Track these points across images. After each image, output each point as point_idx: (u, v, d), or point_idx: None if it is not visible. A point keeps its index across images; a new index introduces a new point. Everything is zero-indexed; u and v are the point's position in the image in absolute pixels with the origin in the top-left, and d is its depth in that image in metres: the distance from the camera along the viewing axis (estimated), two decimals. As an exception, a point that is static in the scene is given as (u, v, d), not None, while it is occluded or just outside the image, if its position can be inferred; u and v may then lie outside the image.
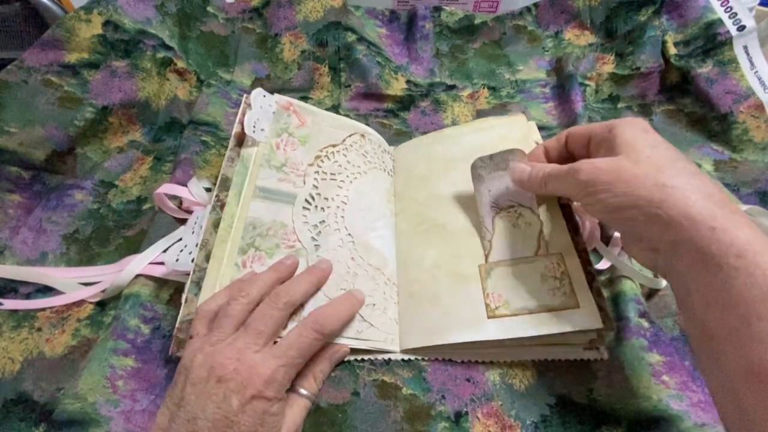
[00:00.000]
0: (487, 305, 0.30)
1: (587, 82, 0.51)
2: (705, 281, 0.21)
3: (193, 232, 0.34)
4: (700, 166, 0.43)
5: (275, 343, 0.27)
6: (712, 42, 0.47)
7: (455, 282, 0.32)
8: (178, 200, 0.38)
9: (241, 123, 0.35)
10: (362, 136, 0.41)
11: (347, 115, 0.48)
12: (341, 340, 0.30)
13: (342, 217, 0.35)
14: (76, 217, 0.39)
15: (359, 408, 0.29)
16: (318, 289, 0.31)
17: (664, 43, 0.49)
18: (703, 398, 0.27)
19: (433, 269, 0.33)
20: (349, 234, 0.34)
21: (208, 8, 0.53)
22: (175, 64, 0.47)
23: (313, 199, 0.35)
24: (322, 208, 0.35)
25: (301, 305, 0.29)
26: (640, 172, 0.23)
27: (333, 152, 0.38)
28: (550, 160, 0.30)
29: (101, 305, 0.34)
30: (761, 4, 0.50)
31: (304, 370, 0.28)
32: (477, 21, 0.54)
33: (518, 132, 0.38)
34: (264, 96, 0.37)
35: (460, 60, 0.54)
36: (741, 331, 0.19)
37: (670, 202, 0.21)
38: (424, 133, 0.45)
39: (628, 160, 0.23)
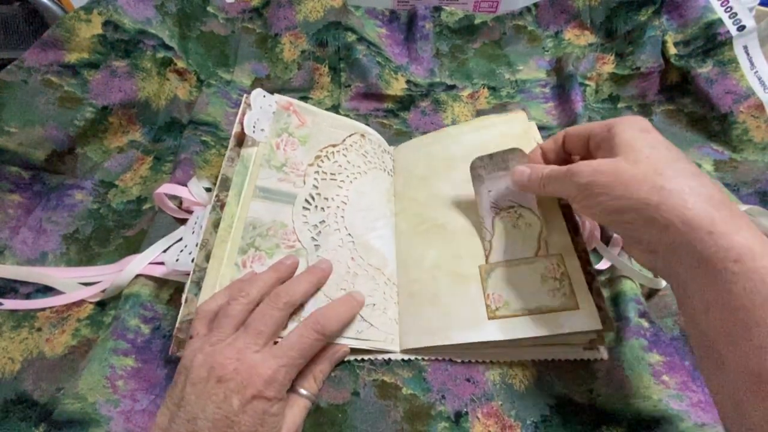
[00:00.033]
0: (487, 306, 0.30)
1: (587, 82, 0.51)
2: (704, 285, 0.20)
3: (193, 232, 0.34)
4: (700, 166, 0.43)
5: (275, 343, 0.27)
6: (712, 42, 0.47)
7: (455, 282, 0.32)
8: (178, 200, 0.38)
9: (241, 123, 0.35)
10: (362, 136, 0.41)
11: (347, 115, 0.48)
12: (341, 340, 0.30)
13: (342, 217, 0.35)
14: (76, 217, 0.39)
15: (359, 408, 0.29)
16: (318, 289, 0.31)
17: (664, 43, 0.49)
18: (703, 398, 0.27)
19: (433, 269, 0.33)
20: (349, 234, 0.34)
21: (208, 8, 0.53)
22: (175, 64, 0.47)
23: (313, 199, 0.35)
24: (322, 208, 0.35)
25: (302, 305, 0.29)
26: (638, 173, 0.22)
27: (333, 152, 0.38)
28: (547, 162, 0.30)
29: (101, 305, 0.34)
30: (761, 4, 0.50)
31: (304, 370, 0.28)
32: (477, 21, 0.54)
33: (519, 129, 0.38)
34: (264, 96, 0.37)
35: (460, 60, 0.54)
36: (741, 336, 0.19)
37: (668, 206, 0.21)
38: (424, 133, 0.45)
39: (626, 162, 0.23)
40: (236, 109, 0.46)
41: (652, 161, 0.23)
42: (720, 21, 0.47)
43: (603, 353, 0.30)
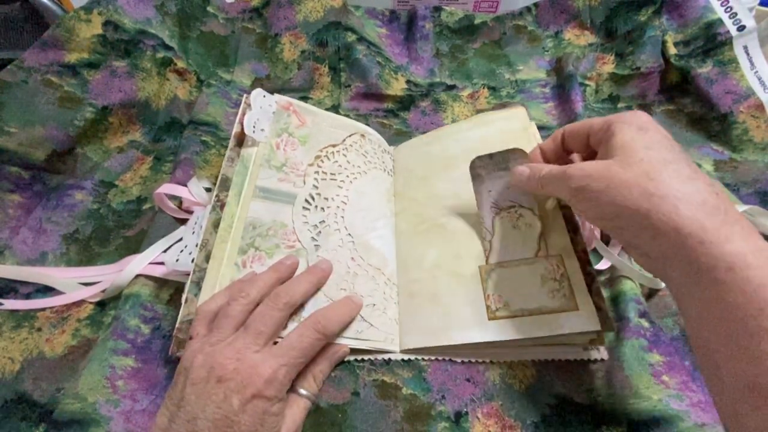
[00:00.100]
0: (487, 306, 0.30)
1: (587, 82, 0.51)
2: (697, 293, 0.20)
3: (193, 232, 0.34)
4: (700, 166, 0.43)
5: (275, 343, 0.27)
6: (712, 42, 0.47)
7: (455, 282, 0.32)
8: (178, 200, 0.38)
9: (241, 123, 0.35)
10: (362, 136, 0.41)
11: (347, 115, 0.48)
12: (341, 340, 0.30)
13: (342, 217, 0.35)
14: (76, 217, 0.39)
15: (359, 408, 0.29)
16: (318, 289, 0.31)
17: (664, 43, 0.49)
18: (703, 398, 0.27)
19: (434, 269, 0.33)
20: (349, 234, 0.34)
21: (208, 8, 0.53)
22: (175, 64, 0.47)
23: (313, 199, 0.35)
24: (322, 208, 0.35)
25: (302, 305, 0.30)
26: (629, 178, 0.22)
27: (333, 152, 0.38)
28: (547, 161, 0.30)
29: (101, 305, 0.34)
30: (761, 4, 0.50)
31: (304, 370, 0.28)
32: (477, 21, 0.54)
33: (518, 125, 0.38)
34: (264, 96, 0.37)
35: (460, 60, 0.54)
36: (735, 346, 0.18)
37: (658, 213, 0.20)
38: (424, 132, 0.45)
39: (619, 165, 0.22)
40: (236, 109, 0.46)
41: (645, 165, 0.22)
42: (720, 21, 0.47)
43: (603, 353, 0.30)
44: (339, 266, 0.32)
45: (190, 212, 0.37)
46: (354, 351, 0.30)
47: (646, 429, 0.26)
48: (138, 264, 0.34)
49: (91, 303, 0.34)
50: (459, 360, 0.30)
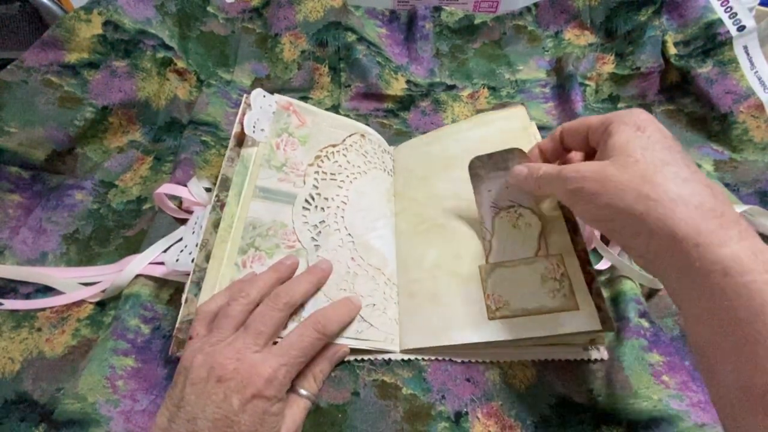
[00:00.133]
0: (487, 306, 0.30)
1: (587, 82, 0.51)
2: (693, 296, 0.20)
3: (193, 232, 0.34)
4: (700, 166, 0.43)
5: (275, 343, 0.27)
6: (712, 42, 0.47)
7: (455, 282, 0.32)
8: (178, 200, 0.38)
9: (241, 123, 0.35)
10: (362, 136, 0.41)
11: (347, 115, 0.48)
12: (341, 340, 0.30)
13: (342, 217, 0.35)
14: (76, 217, 0.39)
15: (359, 408, 0.29)
16: (318, 289, 0.31)
17: (664, 43, 0.49)
18: (703, 398, 0.27)
19: (434, 269, 0.33)
20: (349, 234, 0.34)
21: (208, 8, 0.53)
22: (175, 64, 0.47)
23: (313, 199, 0.35)
24: (322, 208, 0.35)
25: (302, 305, 0.30)
26: (624, 180, 0.21)
27: (333, 152, 0.38)
28: (546, 160, 0.30)
29: (101, 305, 0.34)
30: (761, 4, 0.50)
31: (304, 370, 0.28)
32: (477, 21, 0.54)
33: (518, 124, 0.38)
34: (264, 96, 0.37)
35: (460, 60, 0.54)
36: (730, 350, 0.18)
37: (653, 216, 0.20)
38: (424, 133, 0.45)
39: (615, 166, 0.22)
40: (236, 109, 0.46)
41: (640, 166, 0.21)
42: (720, 21, 0.47)
43: (603, 353, 0.30)
44: (339, 266, 0.32)
45: (190, 212, 0.37)
46: (354, 351, 0.30)
47: (646, 429, 0.26)
48: (138, 264, 0.34)
49: (91, 303, 0.34)
50: (459, 360, 0.30)
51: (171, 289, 0.34)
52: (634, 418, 0.27)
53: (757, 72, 0.45)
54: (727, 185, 0.41)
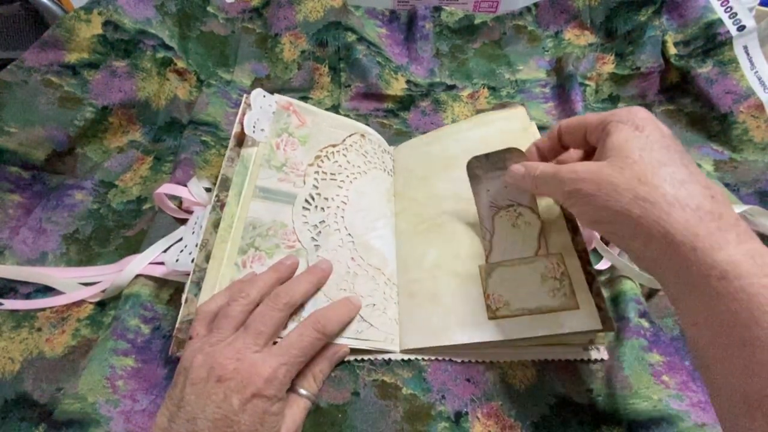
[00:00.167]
0: (488, 306, 0.30)
1: (587, 82, 0.51)
2: (691, 300, 0.20)
3: (193, 232, 0.34)
4: (700, 166, 0.43)
5: (275, 343, 0.27)
6: (712, 42, 0.47)
7: (455, 282, 0.32)
8: (178, 200, 0.38)
9: (241, 123, 0.35)
10: (362, 136, 0.41)
11: (347, 115, 0.48)
12: (341, 340, 0.30)
13: (342, 217, 0.35)
14: (76, 217, 0.39)
15: (359, 408, 0.29)
16: (318, 289, 0.31)
17: (664, 43, 0.49)
18: (703, 398, 0.27)
19: (434, 269, 0.33)
20: (349, 234, 0.34)
21: (208, 8, 0.53)
22: (175, 64, 0.47)
23: (313, 199, 0.35)
24: (322, 208, 0.35)
25: (302, 305, 0.30)
26: (620, 182, 0.21)
27: (333, 152, 0.38)
28: (544, 158, 0.30)
29: (101, 305, 0.34)
30: (761, 4, 0.50)
31: (303, 370, 0.28)
32: (477, 21, 0.54)
33: (518, 125, 0.38)
34: (264, 96, 0.37)
35: (460, 60, 0.54)
36: (727, 355, 0.18)
37: (649, 219, 0.20)
38: (424, 133, 0.45)
39: (611, 168, 0.22)
40: (236, 109, 0.46)
41: (637, 168, 0.21)
42: (720, 21, 0.47)
43: (603, 353, 0.30)
44: (339, 266, 0.32)
45: (190, 212, 0.37)
46: (354, 351, 0.30)
47: (646, 429, 0.26)
48: (138, 264, 0.34)
49: (91, 303, 0.34)
50: (459, 360, 0.30)
51: (171, 289, 0.34)
52: (634, 418, 0.27)
53: (757, 72, 0.45)
54: (727, 185, 0.41)
